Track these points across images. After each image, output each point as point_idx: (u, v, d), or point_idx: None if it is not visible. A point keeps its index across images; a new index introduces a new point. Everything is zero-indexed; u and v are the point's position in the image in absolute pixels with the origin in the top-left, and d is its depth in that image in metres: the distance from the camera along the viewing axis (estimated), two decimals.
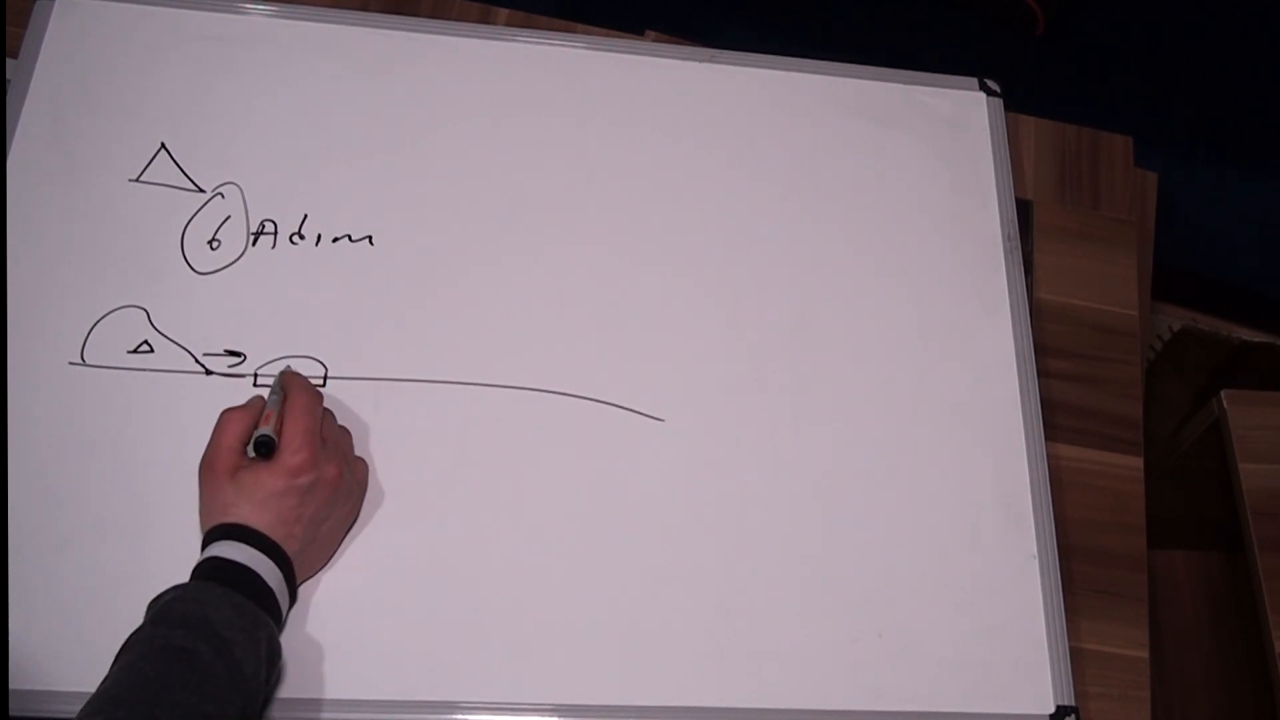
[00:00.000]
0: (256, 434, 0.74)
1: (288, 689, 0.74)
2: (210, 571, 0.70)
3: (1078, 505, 0.92)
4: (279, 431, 0.74)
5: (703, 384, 0.88)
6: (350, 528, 0.79)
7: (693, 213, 0.94)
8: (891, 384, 0.90)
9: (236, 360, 0.84)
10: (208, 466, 0.74)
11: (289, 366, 0.80)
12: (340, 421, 0.80)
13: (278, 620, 0.72)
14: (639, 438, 0.85)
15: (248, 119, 0.92)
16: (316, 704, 0.74)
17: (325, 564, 0.78)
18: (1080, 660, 0.86)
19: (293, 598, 0.75)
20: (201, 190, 0.89)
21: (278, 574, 0.72)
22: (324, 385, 0.84)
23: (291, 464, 0.73)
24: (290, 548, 0.73)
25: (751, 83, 1.00)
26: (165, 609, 0.67)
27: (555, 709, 0.77)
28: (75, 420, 0.80)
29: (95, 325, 0.83)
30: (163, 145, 0.90)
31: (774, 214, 0.95)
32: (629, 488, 0.84)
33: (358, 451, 0.81)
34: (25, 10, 0.93)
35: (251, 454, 0.75)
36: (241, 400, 0.79)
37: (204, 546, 0.72)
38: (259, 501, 0.72)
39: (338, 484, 0.76)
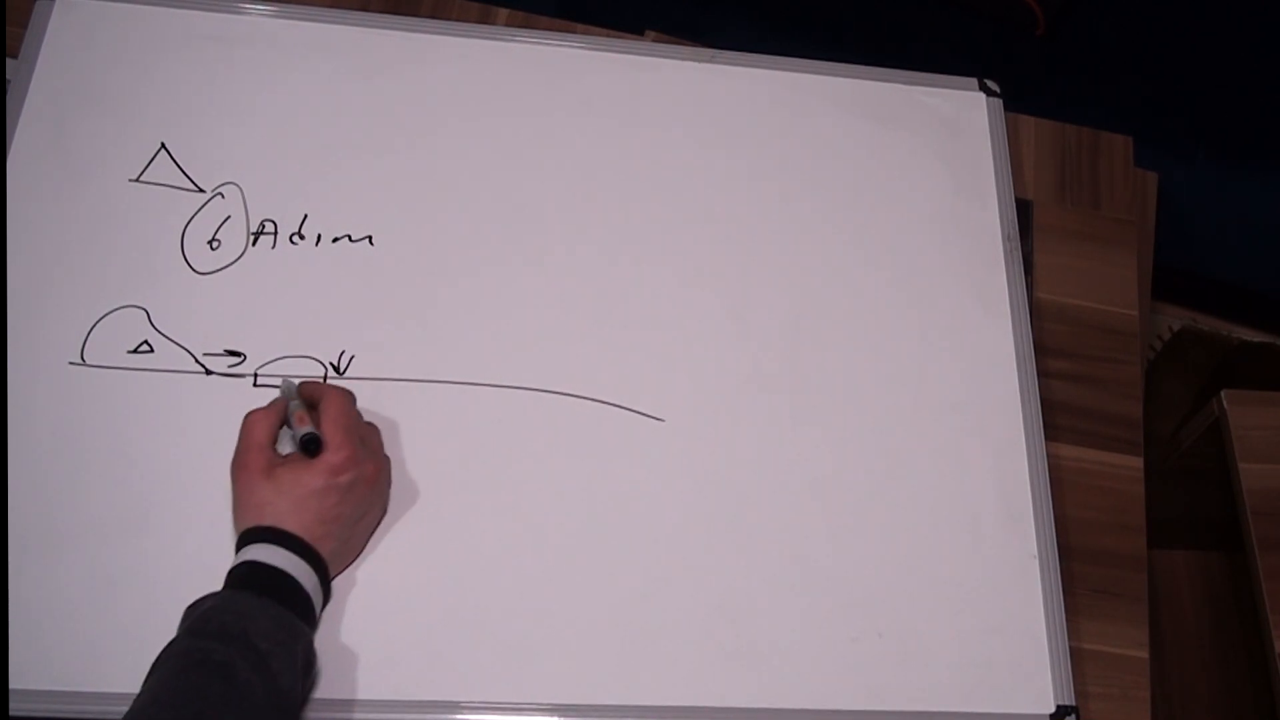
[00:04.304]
0: (301, 434, 0.74)
1: None
2: (246, 577, 0.69)
3: (1078, 505, 0.92)
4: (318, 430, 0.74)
5: (703, 384, 0.88)
6: (378, 524, 0.79)
7: (693, 213, 0.94)
8: (891, 384, 0.90)
9: (236, 360, 0.84)
10: (241, 466, 0.74)
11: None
12: None
13: (313, 623, 0.72)
14: (639, 438, 0.85)
15: (248, 119, 0.92)
16: (316, 704, 0.74)
17: (355, 560, 0.78)
18: (1080, 660, 0.86)
19: (327, 596, 0.75)
20: (201, 190, 0.89)
21: (314, 577, 0.72)
22: None
23: (334, 462, 0.73)
24: (326, 547, 0.73)
25: (751, 83, 1.00)
26: (204, 619, 0.67)
27: (555, 709, 0.77)
28: (75, 420, 0.80)
29: (95, 325, 0.83)
30: (163, 145, 0.90)
31: (774, 214, 0.95)
32: (629, 488, 0.84)
33: None
34: (25, 10, 0.93)
35: (289, 451, 0.75)
36: (241, 400, 0.79)
37: (238, 548, 0.72)
38: (298, 500, 0.72)
39: (375, 481, 0.76)
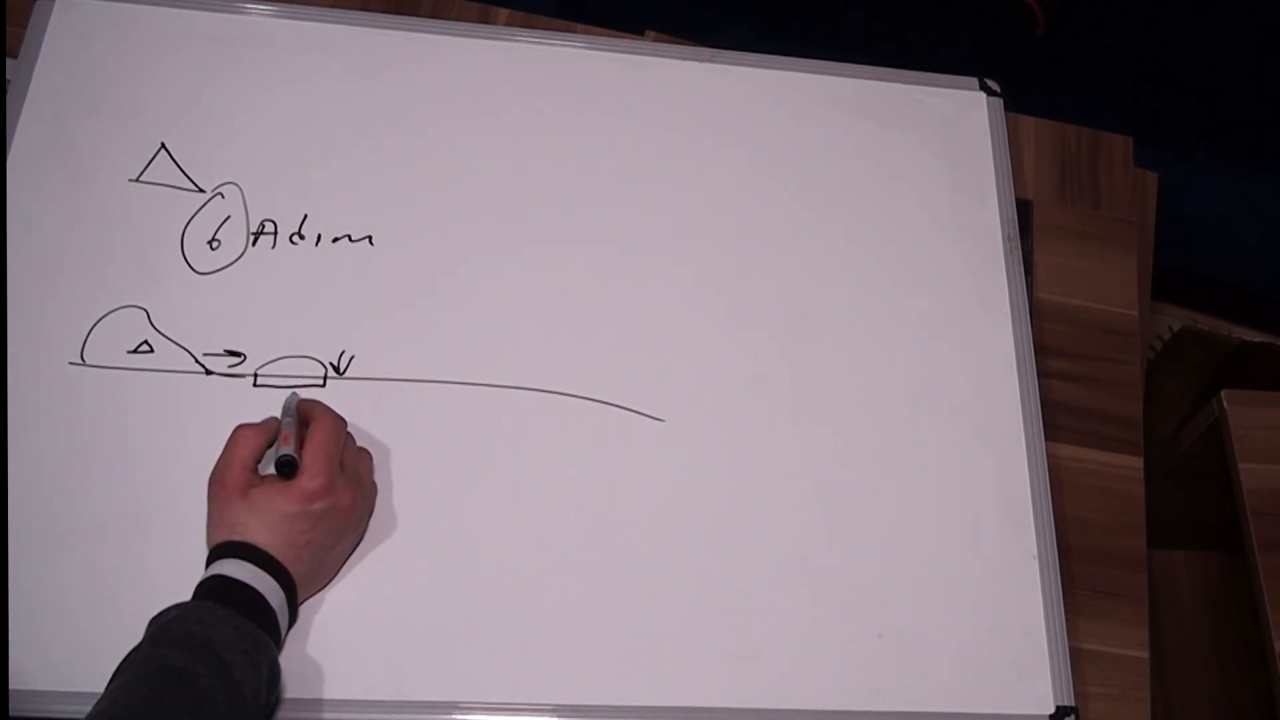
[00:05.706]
0: (279, 454, 0.74)
1: (287, 689, 0.74)
2: (214, 590, 0.69)
3: (1078, 505, 0.92)
4: (299, 453, 0.74)
5: (703, 384, 0.88)
6: (352, 552, 0.79)
7: (693, 212, 0.94)
8: (891, 384, 0.90)
9: (236, 360, 0.84)
10: (219, 482, 0.73)
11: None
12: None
13: (278, 641, 0.71)
14: (639, 438, 0.85)
15: (248, 119, 0.92)
16: (316, 704, 0.74)
17: (325, 586, 0.77)
18: (1080, 660, 0.86)
19: (293, 618, 0.74)
20: (201, 190, 0.89)
21: (281, 595, 0.71)
22: (324, 386, 0.84)
23: (308, 488, 0.72)
24: (296, 570, 0.72)
25: (751, 83, 1.00)
26: (166, 628, 0.67)
27: (555, 709, 0.77)
28: (75, 420, 0.80)
29: (95, 325, 0.83)
30: (163, 145, 0.90)
31: (774, 214, 0.95)
32: (629, 488, 0.84)
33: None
34: (25, 10, 0.93)
35: (269, 471, 0.74)
36: (241, 400, 0.79)
37: (209, 562, 0.71)
38: (270, 522, 0.71)
39: (350, 511, 0.75)
